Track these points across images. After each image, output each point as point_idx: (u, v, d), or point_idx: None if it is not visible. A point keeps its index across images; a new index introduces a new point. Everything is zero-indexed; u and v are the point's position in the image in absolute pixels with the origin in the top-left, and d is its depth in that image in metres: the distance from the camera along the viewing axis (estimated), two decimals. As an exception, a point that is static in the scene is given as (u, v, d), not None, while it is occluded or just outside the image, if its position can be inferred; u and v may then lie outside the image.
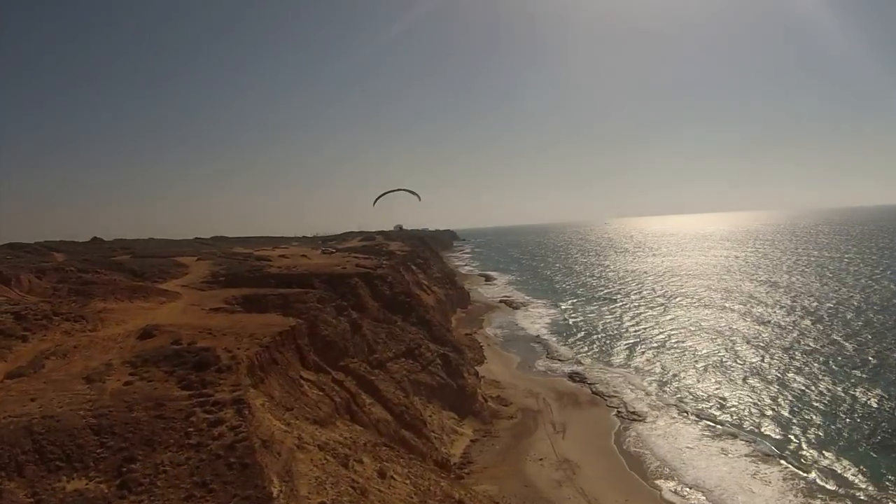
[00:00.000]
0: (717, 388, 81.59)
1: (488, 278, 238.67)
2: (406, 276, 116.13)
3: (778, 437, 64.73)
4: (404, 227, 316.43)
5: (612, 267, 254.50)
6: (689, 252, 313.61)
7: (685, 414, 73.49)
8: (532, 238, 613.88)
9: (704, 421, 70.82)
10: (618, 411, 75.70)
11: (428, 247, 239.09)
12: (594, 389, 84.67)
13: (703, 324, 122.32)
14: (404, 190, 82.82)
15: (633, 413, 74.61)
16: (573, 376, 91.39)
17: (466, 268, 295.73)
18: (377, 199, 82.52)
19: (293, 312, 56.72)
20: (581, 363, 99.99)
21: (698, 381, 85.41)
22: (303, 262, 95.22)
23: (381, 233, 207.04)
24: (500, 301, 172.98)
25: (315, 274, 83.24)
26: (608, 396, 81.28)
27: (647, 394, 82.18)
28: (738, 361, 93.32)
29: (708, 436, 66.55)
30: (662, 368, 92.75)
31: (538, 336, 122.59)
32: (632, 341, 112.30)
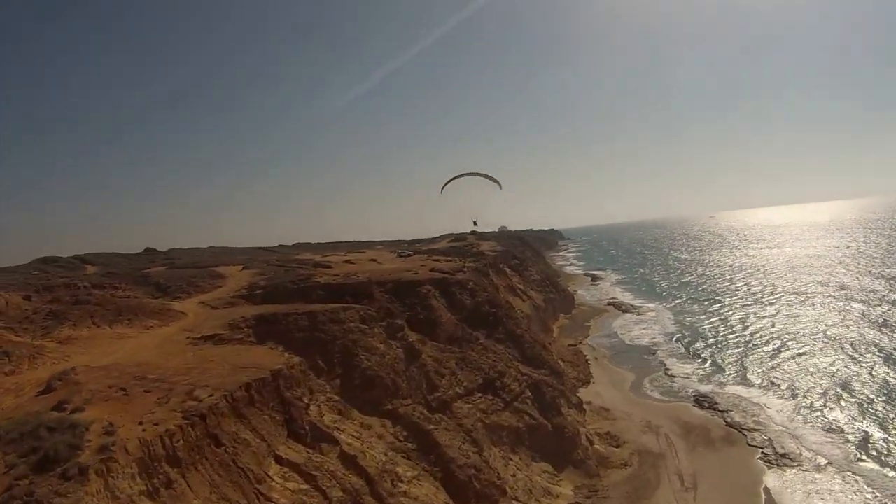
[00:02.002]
0: (860, 416, 64.39)
1: (594, 278, 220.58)
2: (495, 281, 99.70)
3: None
4: (509, 228, 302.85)
5: (719, 262, 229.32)
6: (795, 243, 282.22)
7: (848, 457, 55.28)
8: (638, 235, 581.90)
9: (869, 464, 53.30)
10: (763, 452, 58.05)
11: (529, 246, 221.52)
12: (728, 420, 66.97)
13: (824, 327, 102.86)
14: (481, 175, 66.77)
15: (784, 456, 56.64)
16: (700, 400, 73.69)
17: (571, 267, 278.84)
18: (445, 185, 66.88)
19: (318, 339, 42.52)
20: (706, 381, 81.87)
21: (841, 404, 68.28)
22: (367, 269, 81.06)
23: (475, 233, 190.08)
24: (608, 304, 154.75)
25: (378, 282, 68.80)
26: (747, 430, 63.48)
27: (793, 422, 64.72)
28: (874, 377, 75.41)
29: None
30: (797, 387, 75.02)
31: (652, 345, 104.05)
32: (755, 350, 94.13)
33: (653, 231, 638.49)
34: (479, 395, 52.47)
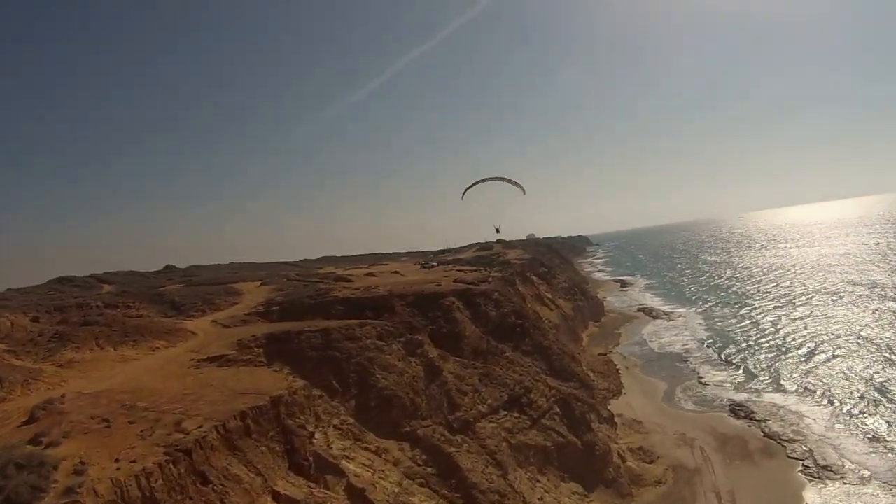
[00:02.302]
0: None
1: (623, 284, 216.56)
2: (522, 290, 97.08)
3: None
4: (537, 237, 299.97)
5: (748, 264, 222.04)
6: (825, 242, 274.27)
7: (893, 469, 51.70)
8: (665, 239, 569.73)
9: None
10: (804, 465, 54.89)
11: (556, 254, 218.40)
12: (766, 430, 63.85)
13: (858, 328, 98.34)
14: (503, 179, 64.30)
15: (826, 468, 53.45)
16: (735, 410, 70.59)
17: (599, 273, 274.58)
18: (466, 190, 64.52)
19: (332, 358, 40.48)
20: (740, 389, 78.39)
21: (880, 410, 64.54)
22: (389, 281, 78.93)
23: (501, 241, 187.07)
24: (638, 310, 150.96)
25: (399, 295, 66.67)
26: (786, 441, 60.27)
27: (832, 431, 61.16)
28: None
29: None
30: (834, 393, 71.30)
31: (684, 353, 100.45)
32: (789, 354, 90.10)
33: (681, 234, 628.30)
34: (505, 412, 49.77)
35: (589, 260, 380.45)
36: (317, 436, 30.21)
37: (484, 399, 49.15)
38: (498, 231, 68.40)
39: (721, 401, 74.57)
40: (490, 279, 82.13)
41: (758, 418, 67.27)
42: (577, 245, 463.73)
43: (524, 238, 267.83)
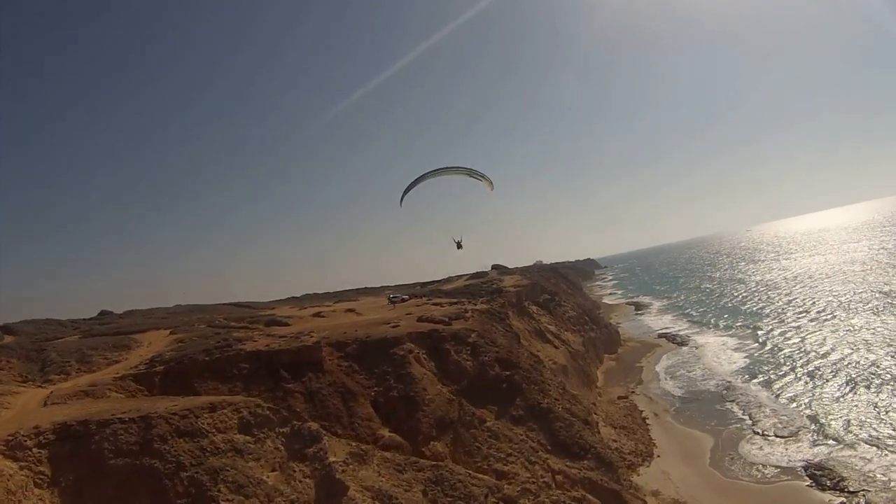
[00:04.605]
0: None
1: (638, 306, 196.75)
2: (516, 325, 76.64)
3: None
4: (543, 262, 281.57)
5: (770, 277, 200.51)
6: (843, 249, 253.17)
7: None
8: (675, 257, 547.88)
9: None
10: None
11: (563, 278, 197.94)
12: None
13: None
14: (461, 171, 45.04)
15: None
16: (816, 475, 51.22)
17: (611, 297, 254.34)
18: (407, 192, 44.84)
19: (151, 472, 21.87)
20: (812, 440, 58.50)
21: None
22: (338, 323, 59.95)
23: (498, 267, 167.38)
24: (659, 336, 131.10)
25: (337, 343, 47.69)
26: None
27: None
28: None
29: None
30: None
31: (724, 389, 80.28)
32: (860, 382, 70.67)
33: (690, 252, 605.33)
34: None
35: (598, 283, 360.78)
36: None
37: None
38: (460, 246, 49.00)
39: (791, 460, 54.86)
40: (468, 314, 62.14)
41: (851, 488, 47.78)
42: (586, 269, 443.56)
43: (531, 265, 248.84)
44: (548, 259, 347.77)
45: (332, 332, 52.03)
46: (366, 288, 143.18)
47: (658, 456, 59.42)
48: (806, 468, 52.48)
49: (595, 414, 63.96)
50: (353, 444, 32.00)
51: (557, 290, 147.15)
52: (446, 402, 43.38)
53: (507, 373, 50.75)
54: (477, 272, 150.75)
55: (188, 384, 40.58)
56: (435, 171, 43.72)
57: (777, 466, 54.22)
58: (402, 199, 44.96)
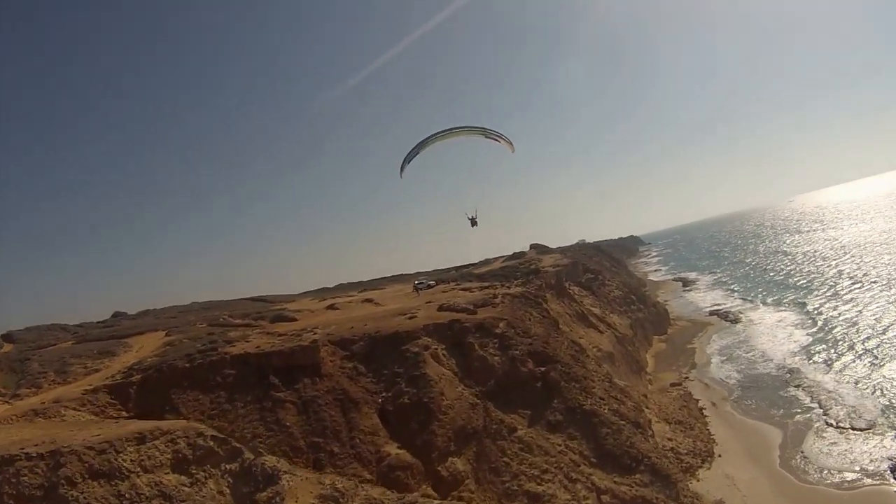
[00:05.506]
0: None
1: (686, 282, 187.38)
2: (555, 309, 69.03)
3: None
4: (587, 241, 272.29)
5: (817, 248, 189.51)
6: (891, 215, 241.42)
7: None
8: (719, 231, 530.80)
9: None
10: None
11: (606, 255, 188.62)
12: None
13: None
14: (477, 131, 37.78)
15: None
16: (907, 474, 43.32)
17: (656, 273, 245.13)
18: (407, 162, 37.45)
19: None
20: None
21: None
22: (354, 315, 54.13)
23: (537, 246, 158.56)
24: (710, 313, 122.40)
25: (341, 341, 41.22)
26: None
27: None
28: None
29: None
30: None
31: (787, 372, 72.34)
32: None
33: (734, 224, 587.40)
34: None
35: (642, 260, 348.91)
36: None
37: None
38: (474, 223, 41.73)
39: (876, 457, 47.14)
40: (497, 299, 54.70)
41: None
42: (629, 245, 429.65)
43: (573, 244, 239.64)
44: (591, 239, 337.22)
45: (339, 328, 45.73)
46: (399, 275, 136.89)
47: (719, 455, 51.88)
48: (893, 469, 44.67)
49: (647, 408, 56.50)
50: (330, 480, 25.37)
51: (601, 268, 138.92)
52: (468, 407, 36.81)
53: (543, 369, 43.72)
54: (515, 253, 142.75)
55: (165, 396, 34.75)
56: (442, 132, 36.40)
57: (859, 467, 46.39)
58: (402, 169, 37.77)
